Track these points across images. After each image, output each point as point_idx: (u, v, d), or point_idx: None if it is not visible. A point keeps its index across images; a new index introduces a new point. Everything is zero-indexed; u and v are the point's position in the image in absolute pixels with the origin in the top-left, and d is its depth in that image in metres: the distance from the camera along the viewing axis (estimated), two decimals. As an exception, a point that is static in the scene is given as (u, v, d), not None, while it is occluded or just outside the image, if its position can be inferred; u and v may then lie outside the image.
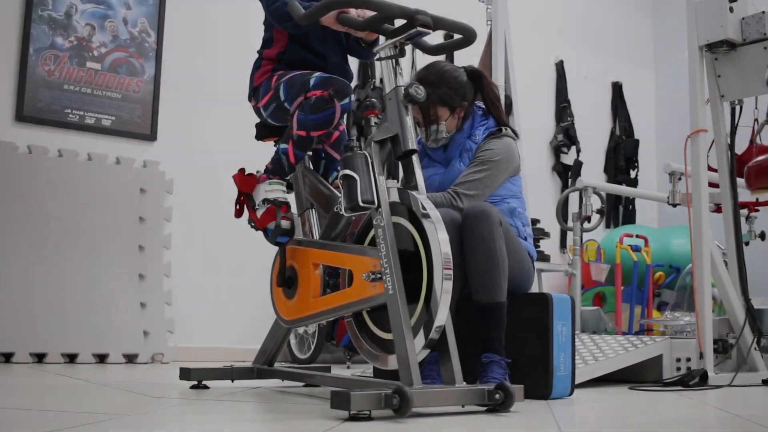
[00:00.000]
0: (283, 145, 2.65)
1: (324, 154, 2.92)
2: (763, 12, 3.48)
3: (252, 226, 2.69)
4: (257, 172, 2.71)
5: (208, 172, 4.95)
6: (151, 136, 4.82)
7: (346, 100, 2.55)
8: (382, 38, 2.49)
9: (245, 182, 2.69)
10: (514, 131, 2.90)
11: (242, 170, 2.72)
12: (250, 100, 2.86)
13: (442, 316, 2.16)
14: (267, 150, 2.77)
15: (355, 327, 2.47)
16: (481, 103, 2.94)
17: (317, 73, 2.59)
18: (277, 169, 2.67)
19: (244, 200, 2.70)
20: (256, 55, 2.88)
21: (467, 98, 2.88)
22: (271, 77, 2.74)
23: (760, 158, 3.19)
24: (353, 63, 5.50)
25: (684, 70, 3.79)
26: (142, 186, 4.64)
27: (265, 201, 2.64)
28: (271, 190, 2.65)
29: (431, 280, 2.17)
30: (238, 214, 2.72)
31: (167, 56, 4.92)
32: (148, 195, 4.65)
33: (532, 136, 5.88)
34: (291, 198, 2.75)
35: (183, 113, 4.94)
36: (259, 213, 2.65)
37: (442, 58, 3.16)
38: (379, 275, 2.21)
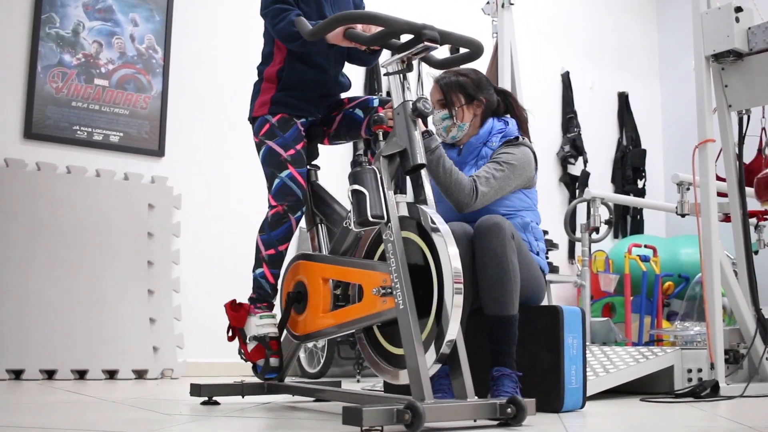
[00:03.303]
0: (258, 270, 2.70)
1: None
2: (770, 21, 3.47)
3: (242, 358, 2.73)
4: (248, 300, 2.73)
5: (216, 187, 4.98)
6: (159, 151, 4.84)
7: (299, 213, 2.66)
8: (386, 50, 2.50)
9: (236, 318, 2.72)
10: (531, 146, 2.90)
11: (233, 302, 2.74)
12: (249, 120, 2.87)
13: (453, 331, 2.15)
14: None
15: (365, 342, 2.47)
16: (508, 119, 2.96)
17: (285, 172, 2.65)
18: (262, 296, 2.71)
19: (236, 332, 2.73)
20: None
21: (485, 96, 2.90)
22: (265, 121, 2.75)
23: (769, 170, 3.20)
24: (358, 76, 5.56)
25: (690, 80, 3.79)
26: (150, 202, 4.65)
27: (255, 338, 2.67)
28: (262, 325, 2.68)
29: (442, 294, 2.17)
30: (231, 339, 2.75)
31: (174, 72, 4.95)
32: (157, 210, 4.67)
33: (538, 148, 5.85)
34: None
35: (190, 129, 4.96)
36: (250, 348, 2.69)
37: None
38: (389, 290, 2.21)
